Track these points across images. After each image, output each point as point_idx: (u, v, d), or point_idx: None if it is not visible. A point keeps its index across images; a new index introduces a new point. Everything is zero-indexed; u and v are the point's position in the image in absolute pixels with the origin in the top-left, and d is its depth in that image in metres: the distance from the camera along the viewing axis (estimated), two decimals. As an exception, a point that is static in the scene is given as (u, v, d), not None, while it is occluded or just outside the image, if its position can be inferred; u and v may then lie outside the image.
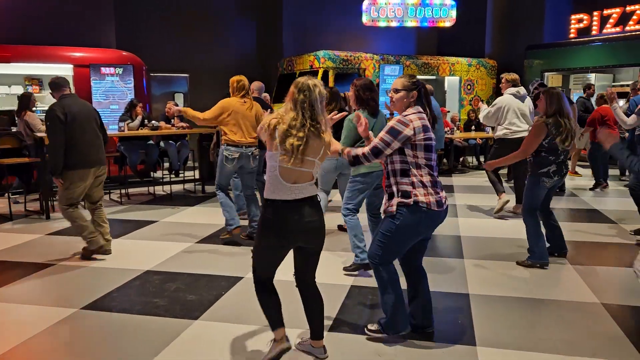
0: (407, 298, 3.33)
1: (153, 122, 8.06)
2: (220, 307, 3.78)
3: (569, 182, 8.96)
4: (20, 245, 5.39)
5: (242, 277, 4.35)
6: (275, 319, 2.87)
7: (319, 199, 2.83)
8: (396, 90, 3.09)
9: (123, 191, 8.04)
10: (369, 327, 3.31)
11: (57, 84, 4.91)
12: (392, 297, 3.16)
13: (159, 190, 8.47)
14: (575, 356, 3.03)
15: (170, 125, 8.28)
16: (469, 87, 12.56)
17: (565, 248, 4.90)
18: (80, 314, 3.66)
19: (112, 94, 8.94)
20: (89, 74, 8.83)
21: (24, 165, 7.22)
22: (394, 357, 3.05)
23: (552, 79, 12.74)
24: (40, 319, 3.59)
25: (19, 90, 9.97)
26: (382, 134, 3.00)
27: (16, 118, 7.55)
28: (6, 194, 6.82)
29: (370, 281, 4.27)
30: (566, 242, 4.92)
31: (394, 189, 3.05)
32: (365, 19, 12.01)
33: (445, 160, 10.90)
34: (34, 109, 7.52)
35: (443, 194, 3.08)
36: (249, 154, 5.24)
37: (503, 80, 6.68)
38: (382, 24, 12.13)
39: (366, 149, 3.04)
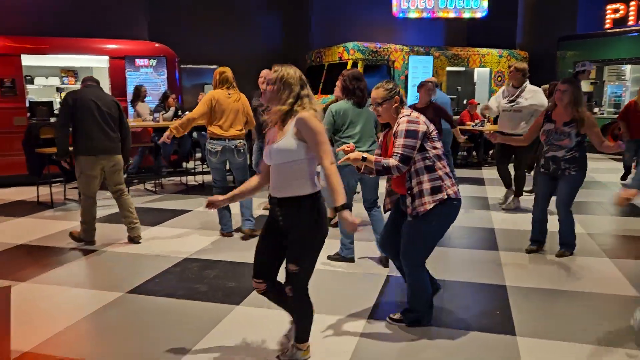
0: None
1: (187, 113, 8.19)
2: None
3: (605, 175, 8.82)
4: (63, 232, 5.57)
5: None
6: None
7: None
8: (379, 104, 3.10)
9: (157, 181, 8.21)
10: (392, 316, 3.36)
11: (83, 79, 5.20)
12: (425, 296, 3.25)
13: (191, 180, 8.63)
14: (615, 347, 3.02)
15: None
16: (499, 78, 12.39)
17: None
18: (126, 298, 3.80)
19: (145, 85, 9.10)
20: (124, 66, 9.01)
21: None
22: (431, 345, 3.09)
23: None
24: (88, 302, 3.74)
25: (55, 81, 10.25)
26: (401, 141, 2.93)
27: (132, 107, 8.69)
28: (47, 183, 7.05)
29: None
30: (604, 235, 4.87)
31: (419, 188, 2.98)
32: (395, 10, 11.95)
33: (474, 153, 10.81)
34: (144, 100, 8.72)
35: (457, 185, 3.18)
36: (233, 147, 5.05)
37: (512, 69, 6.25)
38: (412, 15, 12.06)
39: (394, 162, 2.93)
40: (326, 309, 3.46)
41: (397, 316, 3.34)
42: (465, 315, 3.50)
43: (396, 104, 3.10)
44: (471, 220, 5.93)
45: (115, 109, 4.99)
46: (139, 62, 9.11)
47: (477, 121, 10.06)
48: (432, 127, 3.04)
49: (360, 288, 3.94)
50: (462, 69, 12.40)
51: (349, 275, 4.25)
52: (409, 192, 3.03)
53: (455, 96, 12.17)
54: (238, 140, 5.10)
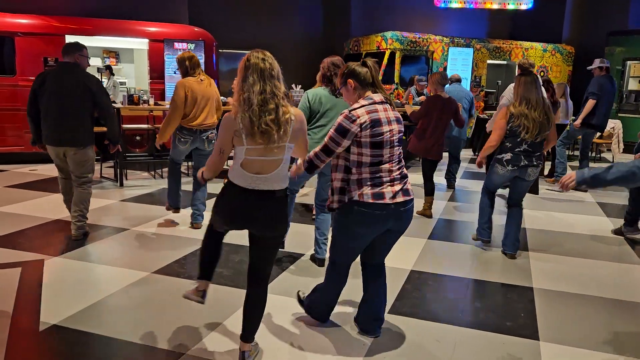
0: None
1: (222, 97, 8.26)
2: (282, 280, 3.89)
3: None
4: (98, 209, 5.73)
5: (303, 254, 4.45)
6: (206, 268, 2.81)
7: (287, 192, 2.65)
8: (341, 85, 2.86)
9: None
10: (300, 293, 3.39)
11: (62, 50, 4.51)
12: (321, 292, 3.14)
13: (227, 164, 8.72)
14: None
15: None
16: (542, 73, 12.00)
17: (515, 250, 4.53)
18: (151, 278, 3.88)
19: (183, 68, 9.19)
20: (163, 49, 9.14)
21: (101, 134, 7.62)
22: (452, 345, 3.04)
23: (635, 68, 11.94)
24: (116, 279, 3.84)
25: (97, 62, 10.50)
26: (331, 131, 2.74)
27: None
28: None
29: (430, 267, 4.26)
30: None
31: (335, 184, 2.83)
32: (437, 0, 11.70)
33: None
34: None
35: (393, 187, 2.73)
36: (204, 138, 4.84)
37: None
38: (454, 5, 11.77)
39: (318, 149, 2.81)
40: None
41: (303, 296, 3.32)
42: (489, 316, 3.44)
43: (352, 87, 2.79)
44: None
45: (82, 92, 4.37)
46: (177, 45, 9.21)
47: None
48: (367, 132, 2.66)
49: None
50: (504, 62, 12.07)
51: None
52: (331, 184, 2.89)
53: (494, 90, 11.87)
54: (210, 131, 4.87)
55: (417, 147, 5.77)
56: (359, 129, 2.67)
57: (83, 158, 4.53)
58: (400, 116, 2.85)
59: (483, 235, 4.76)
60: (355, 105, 2.74)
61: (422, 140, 5.68)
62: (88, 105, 4.42)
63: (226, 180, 2.61)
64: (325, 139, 2.78)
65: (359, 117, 2.67)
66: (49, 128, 4.41)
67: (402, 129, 2.83)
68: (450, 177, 7.36)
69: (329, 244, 4.11)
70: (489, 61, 11.66)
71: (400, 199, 2.74)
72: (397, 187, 2.75)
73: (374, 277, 3.06)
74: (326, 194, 4.06)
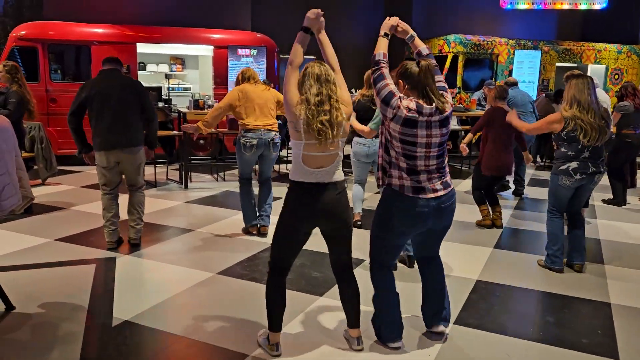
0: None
1: (282, 102, 8.36)
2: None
3: None
4: (163, 211, 5.94)
5: (364, 260, 4.40)
6: (276, 320, 2.86)
7: (345, 185, 2.79)
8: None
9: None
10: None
11: (104, 60, 4.57)
12: (377, 306, 3.05)
13: (283, 168, 8.82)
14: None
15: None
16: (616, 76, 11.37)
17: (582, 261, 4.32)
18: (216, 278, 3.96)
19: (245, 74, 9.39)
20: (226, 55, 9.38)
21: (168, 137, 7.93)
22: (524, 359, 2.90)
23: None
24: (183, 279, 3.94)
25: (165, 68, 10.91)
26: (385, 87, 2.79)
27: None
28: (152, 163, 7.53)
29: (497, 277, 4.10)
30: None
31: (379, 161, 2.99)
32: (503, 1, 11.36)
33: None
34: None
35: (429, 184, 2.76)
36: (269, 140, 4.77)
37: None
38: (521, 6, 11.39)
39: (373, 71, 2.93)
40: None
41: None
42: (563, 332, 3.25)
43: (403, 89, 2.82)
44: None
45: (131, 95, 4.41)
46: (240, 51, 9.43)
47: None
48: (396, 126, 2.71)
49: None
50: (574, 65, 11.53)
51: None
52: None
53: (563, 94, 11.35)
54: (274, 133, 4.84)
55: (488, 167, 5.39)
56: (392, 116, 2.70)
57: (139, 160, 4.51)
58: (448, 117, 2.78)
59: (556, 264, 4.27)
60: (405, 99, 2.73)
61: (491, 158, 5.35)
62: (137, 107, 4.45)
63: (289, 186, 2.77)
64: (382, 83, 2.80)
65: (399, 108, 2.68)
66: (103, 133, 4.32)
67: (446, 132, 2.77)
68: (519, 182, 7.10)
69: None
70: (558, 64, 11.17)
71: (441, 192, 2.77)
72: (436, 181, 2.77)
73: (427, 269, 3.09)
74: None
